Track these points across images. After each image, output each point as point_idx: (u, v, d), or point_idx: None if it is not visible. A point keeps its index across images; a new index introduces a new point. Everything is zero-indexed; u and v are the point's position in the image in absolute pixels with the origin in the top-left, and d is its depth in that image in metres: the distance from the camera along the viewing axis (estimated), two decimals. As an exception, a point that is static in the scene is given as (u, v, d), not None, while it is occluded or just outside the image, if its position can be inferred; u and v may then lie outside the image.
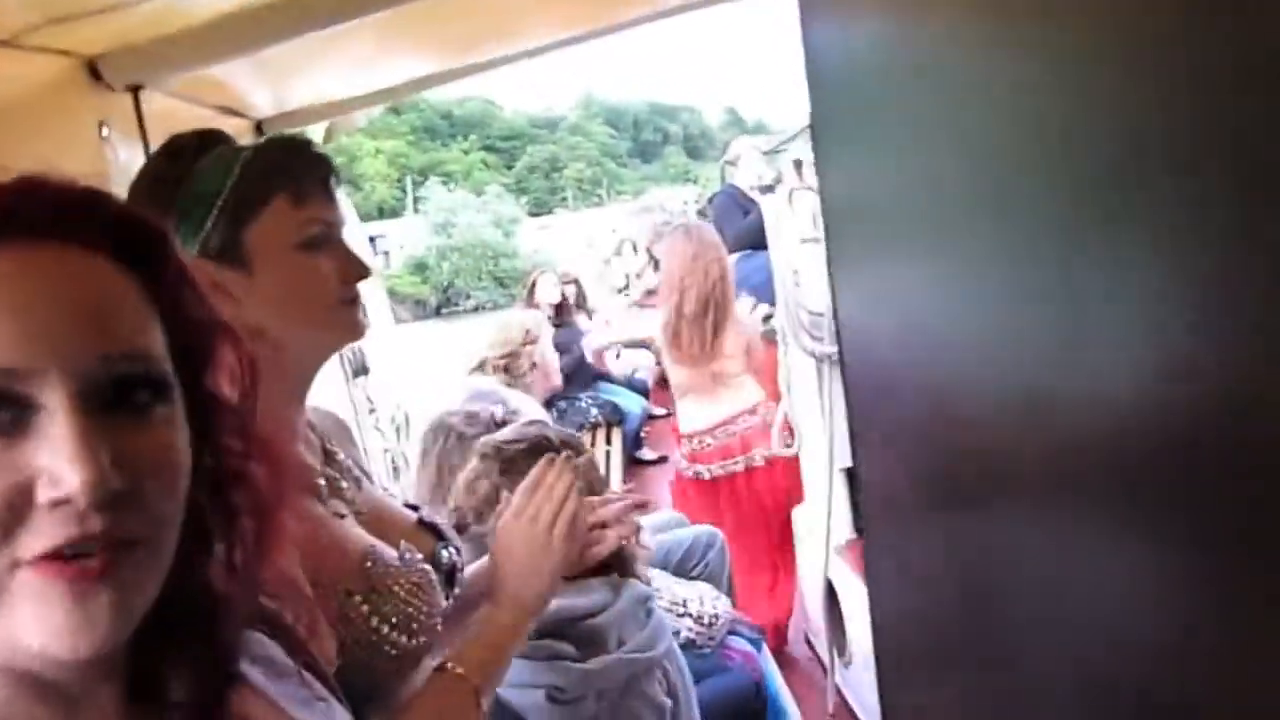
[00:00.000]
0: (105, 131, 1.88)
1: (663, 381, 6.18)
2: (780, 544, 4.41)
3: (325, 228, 1.38)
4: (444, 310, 60.77)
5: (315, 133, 2.97)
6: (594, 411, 7.13)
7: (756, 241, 6.16)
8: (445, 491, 2.31)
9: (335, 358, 2.97)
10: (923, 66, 1.14)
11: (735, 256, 6.46)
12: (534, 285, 7.53)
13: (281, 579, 1.09)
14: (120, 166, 1.91)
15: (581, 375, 7.19)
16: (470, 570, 1.65)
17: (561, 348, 6.59)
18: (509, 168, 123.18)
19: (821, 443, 3.86)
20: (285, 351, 1.35)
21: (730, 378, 4.47)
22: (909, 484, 1.47)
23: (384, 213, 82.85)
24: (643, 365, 8.19)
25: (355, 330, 1.43)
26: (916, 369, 1.31)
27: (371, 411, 3.16)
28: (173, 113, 2.20)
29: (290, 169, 1.37)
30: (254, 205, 1.33)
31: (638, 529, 1.99)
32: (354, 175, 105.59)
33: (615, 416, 7.26)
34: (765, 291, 5.93)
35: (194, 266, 0.81)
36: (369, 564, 1.36)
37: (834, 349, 3.74)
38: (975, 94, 1.03)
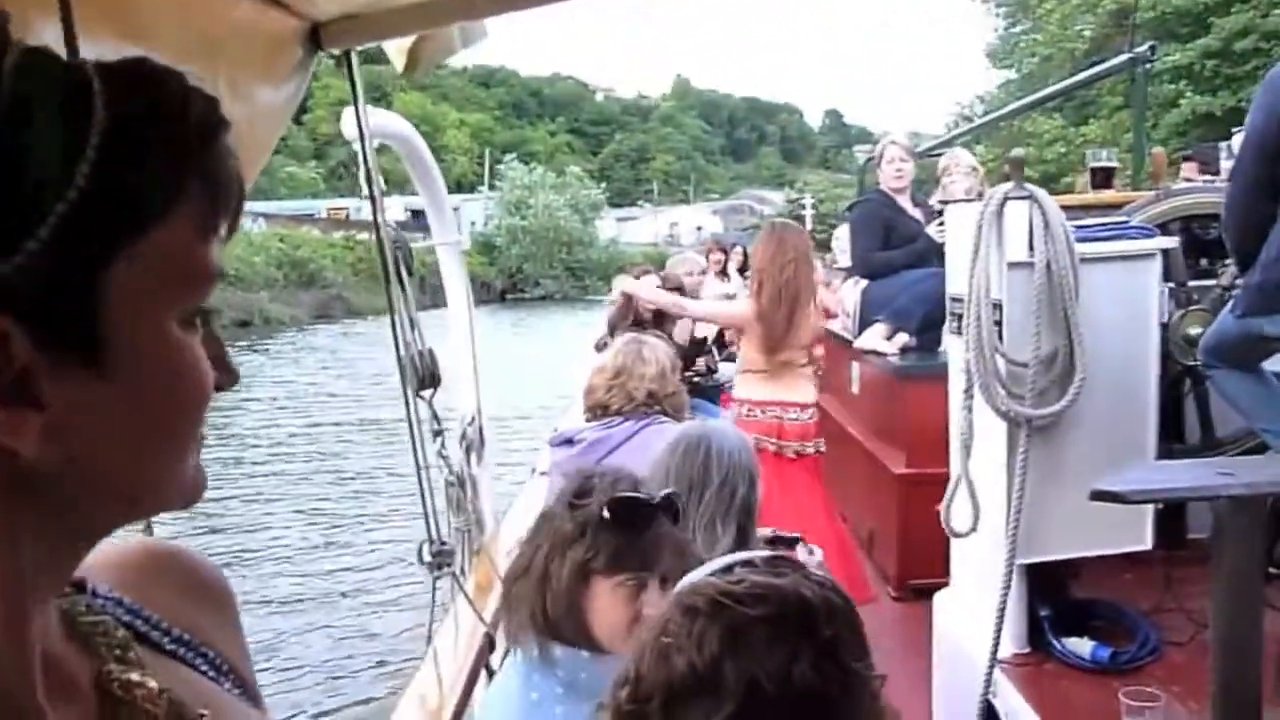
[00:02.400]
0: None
1: None
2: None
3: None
4: (509, 296, 60.44)
5: (395, 56, 2.24)
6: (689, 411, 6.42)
7: (910, 261, 5.46)
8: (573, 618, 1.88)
9: (395, 363, 2.30)
10: None
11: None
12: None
13: None
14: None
15: None
16: None
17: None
18: (594, 154, 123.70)
19: (999, 525, 3.12)
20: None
21: (795, 370, 4.99)
22: None
23: (463, 188, 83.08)
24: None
25: (186, 494, 0.69)
26: None
27: (438, 435, 2.46)
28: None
29: (202, 148, 0.65)
30: (140, 220, 0.61)
31: None
32: (436, 146, 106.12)
33: None
34: (910, 317, 5.24)
35: None
36: None
37: (1038, 411, 2.99)
38: None
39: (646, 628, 1.26)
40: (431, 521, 2.43)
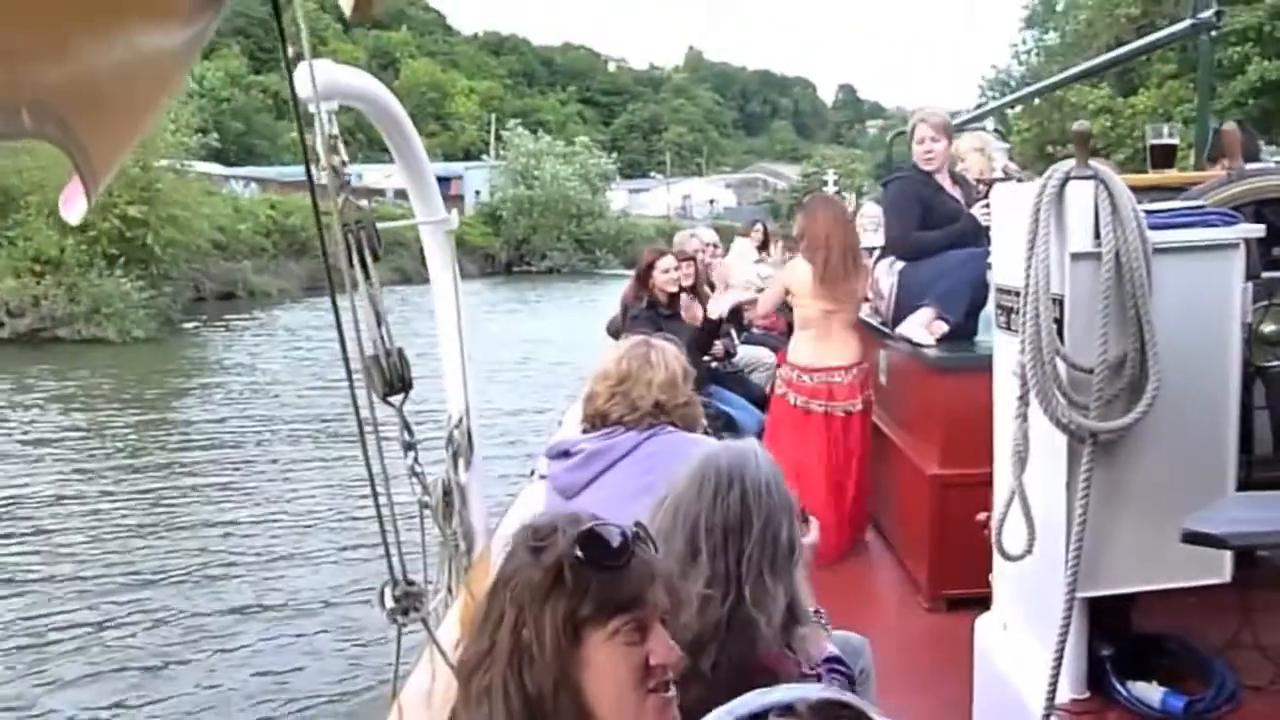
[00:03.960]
0: None
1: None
2: (856, 483, 5.56)
3: None
4: (515, 269, 59.69)
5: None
6: (702, 424, 6.10)
7: (951, 243, 5.14)
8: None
9: (355, 364, 1.93)
10: None
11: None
12: (650, 266, 6.45)
13: None
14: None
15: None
16: None
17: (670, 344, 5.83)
18: (606, 124, 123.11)
19: (1055, 551, 2.78)
20: None
21: (845, 326, 5.58)
22: None
23: (471, 155, 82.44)
24: (764, 364, 7.27)
25: None
26: None
27: (410, 448, 2.06)
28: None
29: None
30: None
31: None
32: (444, 113, 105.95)
33: (728, 432, 6.23)
34: (958, 301, 4.96)
35: None
36: None
37: (1104, 424, 2.65)
38: None
39: None
40: (395, 558, 1.97)
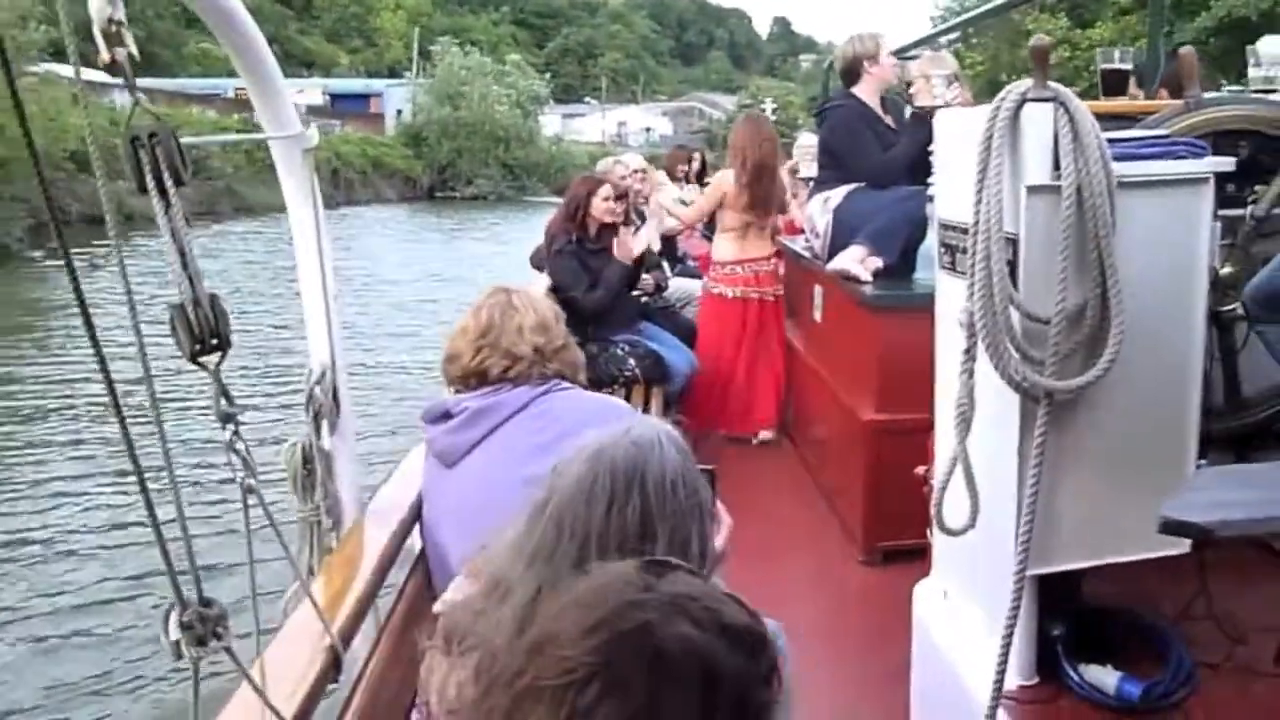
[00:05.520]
0: None
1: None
2: (773, 365, 6.63)
3: None
4: (438, 194, 58.31)
5: None
6: (630, 363, 5.87)
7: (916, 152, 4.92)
8: None
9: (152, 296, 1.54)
10: None
11: (846, 189, 5.19)
12: (590, 195, 6.10)
13: None
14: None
15: (619, 312, 6.12)
16: None
17: (595, 276, 5.96)
18: (540, 47, 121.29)
19: (1001, 523, 2.54)
20: None
21: (759, 234, 6.62)
22: None
23: (395, 74, 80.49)
24: (695, 298, 7.12)
25: None
26: None
27: (229, 420, 1.65)
28: None
29: None
30: None
31: None
32: (367, 29, 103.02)
33: (657, 373, 6.01)
34: (886, 242, 4.80)
35: None
36: None
37: (1061, 383, 2.40)
38: None
39: None
40: (186, 568, 1.48)
